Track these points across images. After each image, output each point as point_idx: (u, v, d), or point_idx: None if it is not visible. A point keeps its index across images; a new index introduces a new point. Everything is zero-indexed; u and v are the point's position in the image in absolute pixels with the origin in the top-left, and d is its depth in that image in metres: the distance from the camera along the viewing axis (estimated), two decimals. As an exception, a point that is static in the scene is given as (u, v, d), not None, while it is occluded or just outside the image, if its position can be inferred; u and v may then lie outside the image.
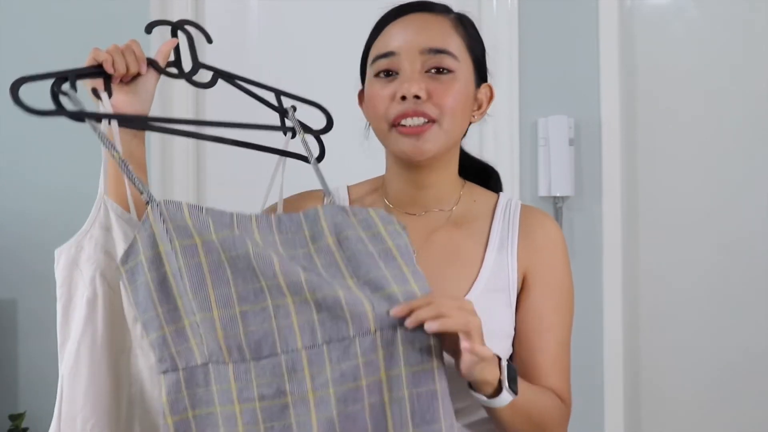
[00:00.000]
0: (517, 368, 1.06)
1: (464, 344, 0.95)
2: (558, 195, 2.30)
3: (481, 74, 1.22)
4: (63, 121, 1.09)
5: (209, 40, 1.21)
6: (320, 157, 1.27)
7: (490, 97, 1.23)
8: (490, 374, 1.00)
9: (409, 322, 0.96)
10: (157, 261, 0.98)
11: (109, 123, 1.05)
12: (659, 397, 2.39)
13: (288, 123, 1.26)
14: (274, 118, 1.27)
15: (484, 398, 1.02)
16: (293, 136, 1.24)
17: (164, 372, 0.97)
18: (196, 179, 2.41)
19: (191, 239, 0.98)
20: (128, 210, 1.06)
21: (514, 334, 1.18)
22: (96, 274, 1.03)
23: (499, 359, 1.02)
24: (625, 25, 2.35)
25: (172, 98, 2.29)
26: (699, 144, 2.38)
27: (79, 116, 1.02)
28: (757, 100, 2.37)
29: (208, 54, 2.49)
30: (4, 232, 2.35)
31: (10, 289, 2.33)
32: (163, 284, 0.97)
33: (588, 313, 2.29)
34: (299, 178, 1.26)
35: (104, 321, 1.03)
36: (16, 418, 2.21)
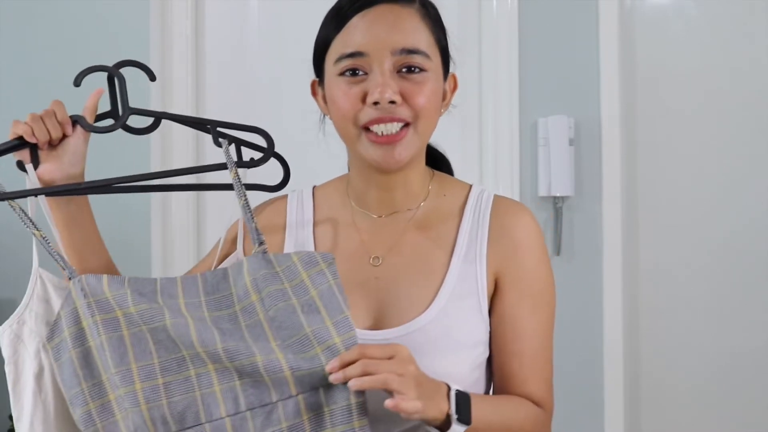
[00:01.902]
0: (470, 395, 1.01)
1: (387, 403, 0.92)
2: (558, 195, 2.30)
3: (447, 65, 1.15)
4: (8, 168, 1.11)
5: (152, 78, 1.16)
6: (284, 182, 1.22)
7: (454, 87, 1.17)
8: (434, 412, 0.96)
9: (334, 378, 0.94)
10: (80, 336, 0.99)
11: (36, 196, 1.06)
12: (659, 396, 2.39)
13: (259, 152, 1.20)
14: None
15: (435, 430, 0.99)
16: (249, 167, 1.18)
17: None
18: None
19: (113, 313, 0.99)
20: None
21: (491, 339, 1.13)
22: (40, 346, 1.02)
23: (449, 390, 0.98)
24: (625, 25, 2.35)
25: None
26: (699, 144, 2.38)
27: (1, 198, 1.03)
28: (757, 100, 2.37)
29: (208, 56, 2.50)
30: (4, 231, 2.35)
31: (10, 288, 2.33)
32: (87, 360, 0.98)
33: (588, 313, 2.29)
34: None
35: (54, 393, 1.02)
36: (16, 418, 2.21)
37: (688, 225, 2.38)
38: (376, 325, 1.10)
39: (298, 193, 1.23)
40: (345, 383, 0.94)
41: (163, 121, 1.18)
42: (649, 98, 2.38)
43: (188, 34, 2.35)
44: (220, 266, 1.14)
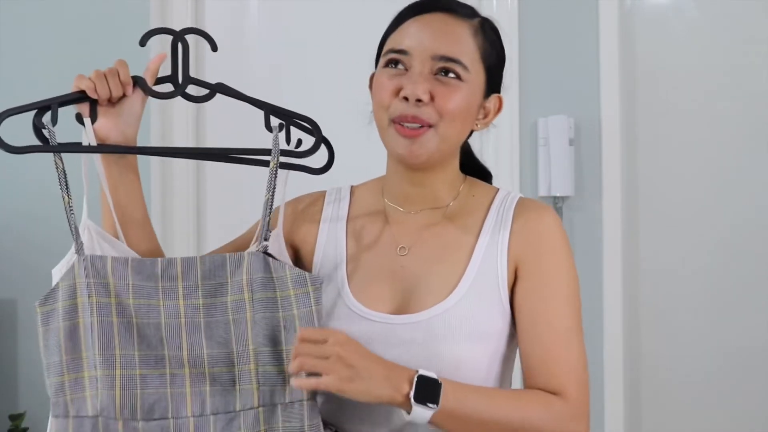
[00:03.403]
0: (443, 382, 1.03)
1: (291, 382, 1.02)
2: (558, 195, 2.30)
3: (492, 84, 1.19)
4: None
5: (214, 48, 1.18)
6: (328, 165, 1.24)
7: (499, 108, 1.21)
8: (387, 391, 1.00)
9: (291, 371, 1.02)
10: (72, 311, 1.05)
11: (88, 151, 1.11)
12: (659, 396, 2.39)
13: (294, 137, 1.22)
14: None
15: (404, 414, 1.02)
16: (295, 147, 1.20)
17: (55, 416, 1.04)
18: (196, 184, 2.41)
19: (108, 298, 1.05)
20: (112, 234, 1.13)
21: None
22: None
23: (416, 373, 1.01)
24: (625, 25, 2.35)
25: (173, 111, 2.30)
26: (699, 144, 2.38)
27: (57, 150, 1.07)
28: (756, 100, 2.37)
29: (207, 55, 2.49)
30: (4, 231, 2.35)
31: (10, 289, 2.33)
32: (72, 334, 1.05)
33: (588, 312, 2.25)
34: (299, 185, 1.26)
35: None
36: (16, 418, 2.21)
37: (688, 225, 2.38)
38: (399, 311, 1.14)
39: (336, 189, 1.28)
40: (297, 403, 1.05)
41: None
42: (649, 98, 2.38)
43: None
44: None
